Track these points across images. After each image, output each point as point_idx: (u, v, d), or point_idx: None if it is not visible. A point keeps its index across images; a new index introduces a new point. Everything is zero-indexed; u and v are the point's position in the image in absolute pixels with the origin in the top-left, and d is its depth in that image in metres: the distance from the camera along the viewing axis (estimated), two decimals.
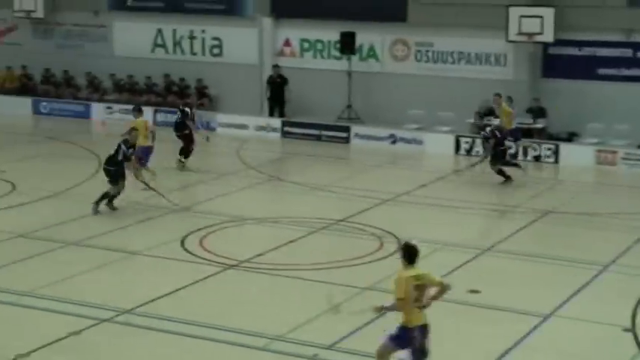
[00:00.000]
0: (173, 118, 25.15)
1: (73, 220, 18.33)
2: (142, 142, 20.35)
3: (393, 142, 25.74)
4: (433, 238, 17.05)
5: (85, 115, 30.86)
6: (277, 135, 28.27)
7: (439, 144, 26.17)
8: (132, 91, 31.26)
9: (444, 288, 10.43)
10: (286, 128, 28.31)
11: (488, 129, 22.69)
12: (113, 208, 19.02)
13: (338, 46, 28.74)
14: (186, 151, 23.33)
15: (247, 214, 19.10)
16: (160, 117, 29.31)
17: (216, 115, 29.25)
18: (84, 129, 29.41)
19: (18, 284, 14.50)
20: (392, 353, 10.58)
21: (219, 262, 15.74)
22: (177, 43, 31.35)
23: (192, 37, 31.15)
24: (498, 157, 22.18)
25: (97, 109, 30.74)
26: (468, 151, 25.79)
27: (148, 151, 21.07)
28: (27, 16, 32.68)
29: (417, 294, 10.25)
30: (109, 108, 30.68)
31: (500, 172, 22.20)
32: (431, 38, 28.00)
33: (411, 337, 10.29)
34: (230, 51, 30.57)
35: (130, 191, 19.49)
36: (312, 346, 12.26)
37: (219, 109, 30.19)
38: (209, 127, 28.40)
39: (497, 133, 22.17)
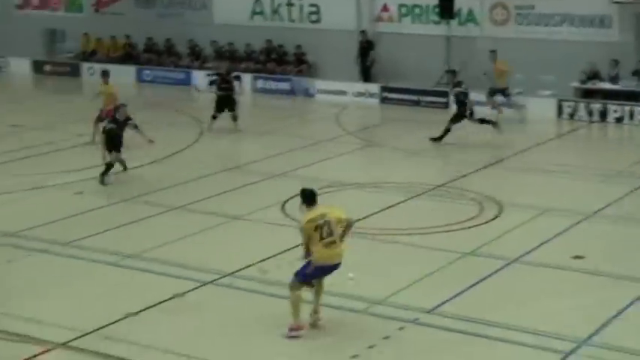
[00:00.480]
0: (272, 85, 25.50)
1: (175, 186, 18.66)
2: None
3: (493, 108, 25.37)
4: (536, 203, 16.83)
5: (186, 82, 31.30)
6: (376, 101, 28.19)
7: (541, 108, 25.71)
8: (232, 59, 31.54)
9: (349, 224, 11.51)
10: (385, 94, 28.21)
11: (461, 88, 22.73)
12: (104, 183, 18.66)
13: (436, 10, 28.42)
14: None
15: (346, 179, 19.13)
16: (259, 83, 29.55)
17: (314, 81, 29.31)
18: (185, 96, 29.85)
19: (124, 247, 14.88)
20: (300, 289, 11.45)
21: None
22: (275, 11, 31.46)
23: (290, 4, 31.19)
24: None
25: (198, 76, 31.16)
26: (571, 115, 25.30)
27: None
28: None
29: (321, 233, 11.21)
30: (209, 75, 31.04)
31: (484, 121, 22.37)
32: (532, 1, 27.43)
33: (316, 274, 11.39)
34: (328, 17, 30.52)
35: (226, 159, 19.69)
36: (413, 309, 12.26)
37: (318, 75, 30.22)
38: (308, 94, 28.57)
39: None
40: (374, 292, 12.80)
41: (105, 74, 22.77)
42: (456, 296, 12.50)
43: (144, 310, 12.38)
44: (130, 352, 11.17)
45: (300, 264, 11.56)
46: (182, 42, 32.74)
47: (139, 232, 15.86)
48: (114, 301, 12.79)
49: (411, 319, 12.01)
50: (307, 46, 30.50)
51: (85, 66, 32.95)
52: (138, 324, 12.04)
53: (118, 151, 18.80)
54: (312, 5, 30.83)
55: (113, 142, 18.65)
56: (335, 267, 11.50)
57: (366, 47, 29.38)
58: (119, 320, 12.03)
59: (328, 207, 11.65)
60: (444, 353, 11.22)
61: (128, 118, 19.18)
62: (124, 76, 31.67)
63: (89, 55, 33.73)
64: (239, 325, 11.93)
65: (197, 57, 32.31)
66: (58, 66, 33.72)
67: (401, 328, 11.73)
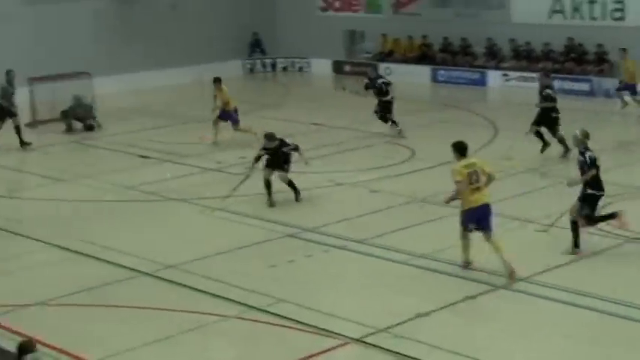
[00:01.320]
0: (570, 85, 24.74)
1: None
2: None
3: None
4: None
5: (481, 82, 31.12)
6: None
7: None
8: (529, 58, 30.97)
9: (491, 176, 13.56)
10: None
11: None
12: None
13: None
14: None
15: None
16: (557, 84, 28.75)
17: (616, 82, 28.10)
18: (480, 96, 29.67)
19: (415, 246, 15.00)
20: (468, 235, 13.71)
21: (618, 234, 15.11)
22: (576, 8, 30.48)
23: (592, 2, 30.09)
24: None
25: (494, 76, 30.88)
26: None
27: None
28: None
29: (470, 179, 13.36)
30: (505, 75, 30.71)
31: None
32: None
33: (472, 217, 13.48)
34: (634, 14, 29.12)
35: (528, 161, 19.23)
36: None
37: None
38: (609, 95, 27.45)
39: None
40: None
41: (217, 81, 23.40)
42: None
43: (435, 310, 12.43)
44: (418, 351, 11.25)
45: None
46: (478, 42, 32.56)
47: (430, 232, 15.92)
48: (404, 299, 12.95)
49: None
50: (609, 45, 29.28)
51: (382, 66, 33.64)
52: (428, 324, 12.10)
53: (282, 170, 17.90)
54: (616, 2, 29.55)
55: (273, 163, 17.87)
56: (482, 208, 13.46)
57: None
58: (410, 320, 12.15)
59: (477, 158, 13.99)
60: None
61: (283, 144, 17.96)
62: (418, 75, 32.09)
63: (386, 56, 34.40)
64: (533, 330, 11.68)
65: (494, 56, 32.01)
66: (356, 66, 34.67)
67: None
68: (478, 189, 13.47)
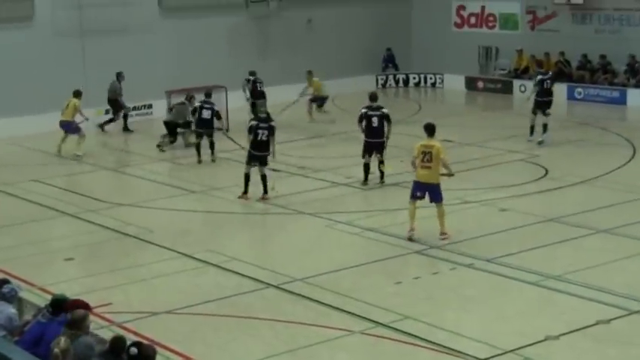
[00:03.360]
0: None
1: (603, 208, 18.01)
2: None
3: None
4: None
5: (621, 101, 30.21)
6: None
7: None
8: None
9: (443, 162, 15.97)
10: None
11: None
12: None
13: None
14: None
15: None
16: None
17: None
18: (619, 115, 28.80)
19: (546, 267, 14.62)
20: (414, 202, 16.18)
21: None
22: None
23: None
24: None
25: (634, 94, 29.92)
26: None
27: None
28: (567, 3, 32.76)
29: (423, 157, 15.89)
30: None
31: None
32: None
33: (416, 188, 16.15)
34: None
35: None
36: None
37: None
38: None
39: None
40: None
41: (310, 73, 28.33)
42: None
43: (565, 333, 12.05)
44: None
45: None
46: (618, 59, 31.61)
47: (562, 253, 15.50)
48: (533, 320, 12.62)
49: None
50: None
51: (517, 83, 33.06)
52: (557, 346, 11.75)
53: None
54: None
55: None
56: (427, 185, 15.93)
57: None
58: (539, 342, 11.81)
59: (439, 143, 16.08)
60: None
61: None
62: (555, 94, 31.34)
63: (521, 73, 33.80)
64: None
65: (635, 74, 31.00)
66: (490, 82, 34.20)
67: None
68: (428, 168, 15.84)
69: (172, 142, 25.22)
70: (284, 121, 28.79)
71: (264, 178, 19.31)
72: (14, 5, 28.11)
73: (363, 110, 20.06)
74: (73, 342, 9.06)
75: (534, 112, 24.19)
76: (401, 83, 36.45)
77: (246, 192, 19.36)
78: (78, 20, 28.87)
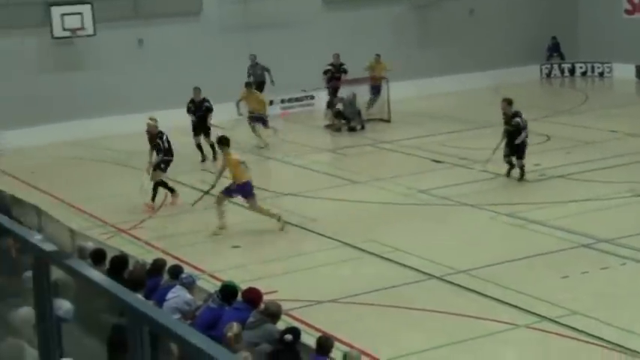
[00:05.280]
0: None
1: None
2: None
3: None
4: None
5: None
6: None
7: None
8: None
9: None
10: None
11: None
12: None
13: None
14: None
15: None
16: None
17: None
18: None
19: None
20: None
21: None
22: None
23: None
24: None
25: None
26: None
27: None
28: None
29: None
30: None
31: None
32: None
33: None
34: None
35: None
36: None
37: None
38: None
39: None
40: None
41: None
42: None
43: None
44: None
45: None
46: None
47: None
48: None
49: None
50: None
51: None
52: None
53: None
54: None
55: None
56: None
57: None
58: None
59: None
60: None
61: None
62: None
63: None
64: None
65: None
66: None
67: None
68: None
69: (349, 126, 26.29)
70: (445, 113, 28.62)
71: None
72: (184, 0, 29.01)
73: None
74: (260, 327, 9.76)
75: None
76: (566, 73, 35.46)
77: None
78: (243, 14, 29.49)
